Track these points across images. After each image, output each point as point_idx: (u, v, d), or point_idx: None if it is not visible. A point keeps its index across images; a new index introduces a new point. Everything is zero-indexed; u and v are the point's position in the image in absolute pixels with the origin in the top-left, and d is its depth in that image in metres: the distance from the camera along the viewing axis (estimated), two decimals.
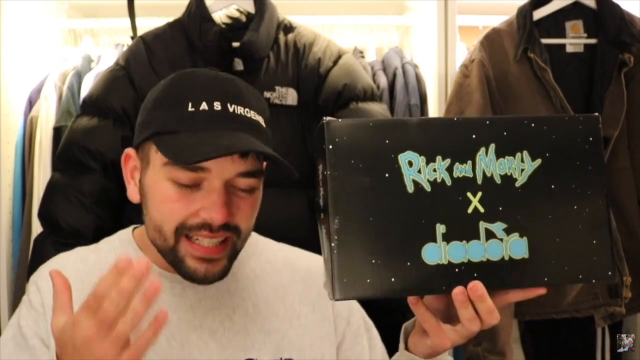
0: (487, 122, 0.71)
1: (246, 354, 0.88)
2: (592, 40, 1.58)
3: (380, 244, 0.67)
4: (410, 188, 0.68)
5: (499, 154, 0.70)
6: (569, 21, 1.60)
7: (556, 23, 1.60)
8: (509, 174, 0.70)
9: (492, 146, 0.70)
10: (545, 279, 0.71)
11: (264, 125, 0.86)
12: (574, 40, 1.59)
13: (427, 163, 0.69)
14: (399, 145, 0.69)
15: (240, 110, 0.83)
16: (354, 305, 0.97)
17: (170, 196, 0.82)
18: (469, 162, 0.70)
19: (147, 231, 0.88)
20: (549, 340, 1.67)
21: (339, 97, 1.40)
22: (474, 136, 0.70)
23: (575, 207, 0.71)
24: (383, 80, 1.73)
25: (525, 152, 0.71)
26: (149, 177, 0.85)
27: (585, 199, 0.72)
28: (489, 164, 0.70)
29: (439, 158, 0.69)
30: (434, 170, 0.69)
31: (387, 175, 0.68)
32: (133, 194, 0.90)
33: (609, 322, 1.54)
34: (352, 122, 0.69)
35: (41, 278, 0.91)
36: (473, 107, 1.47)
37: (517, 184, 0.71)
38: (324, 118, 0.68)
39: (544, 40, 1.54)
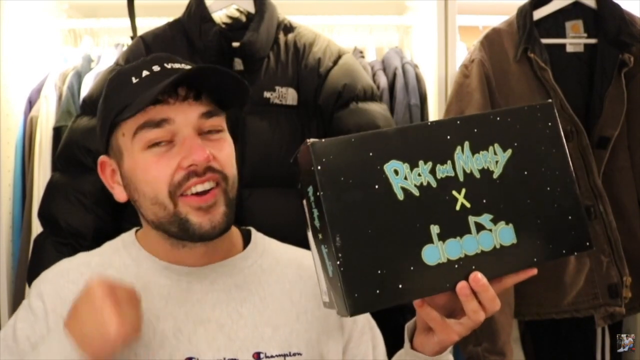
0: (458, 122, 0.75)
1: (255, 347, 0.87)
2: (592, 40, 1.58)
3: (383, 254, 0.69)
4: (400, 196, 0.70)
5: (474, 150, 0.74)
6: (569, 21, 1.60)
7: (556, 23, 1.60)
8: (486, 167, 0.74)
9: (467, 144, 0.74)
10: (535, 259, 0.74)
11: None
12: (574, 40, 1.59)
13: (412, 169, 0.71)
14: (383, 156, 0.70)
15: (177, 65, 0.87)
16: None
17: (151, 162, 0.84)
18: (449, 161, 0.73)
19: (147, 219, 0.88)
20: (549, 340, 1.67)
21: (339, 97, 1.39)
22: (448, 137, 0.73)
23: (548, 188, 0.76)
24: (383, 80, 1.73)
25: (496, 145, 0.75)
26: (127, 163, 0.87)
27: (555, 180, 0.76)
28: (466, 161, 0.73)
29: (421, 162, 0.72)
30: (419, 174, 0.71)
31: (376, 187, 0.69)
32: (119, 195, 0.91)
33: (609, 322, 1.54)
34: (334, 141, 0.69)
35: (44, 282, 0.91)
36: (473, 107, 1.47)
37: (495, 176, 0.74)
38: (307, 141, 0.68)
39: (544, 40, 1.53)
